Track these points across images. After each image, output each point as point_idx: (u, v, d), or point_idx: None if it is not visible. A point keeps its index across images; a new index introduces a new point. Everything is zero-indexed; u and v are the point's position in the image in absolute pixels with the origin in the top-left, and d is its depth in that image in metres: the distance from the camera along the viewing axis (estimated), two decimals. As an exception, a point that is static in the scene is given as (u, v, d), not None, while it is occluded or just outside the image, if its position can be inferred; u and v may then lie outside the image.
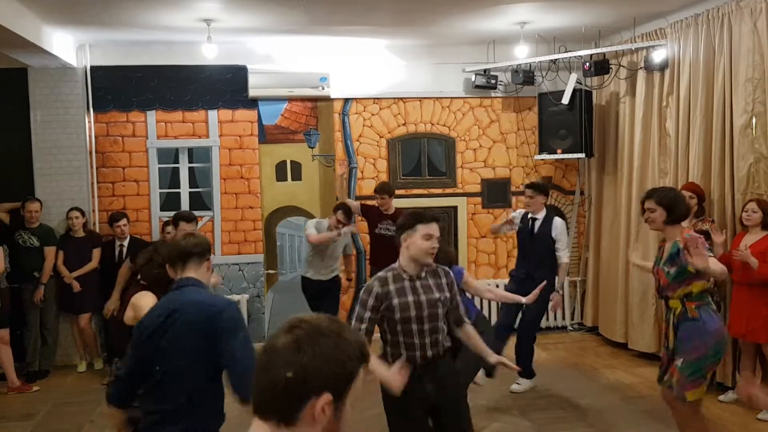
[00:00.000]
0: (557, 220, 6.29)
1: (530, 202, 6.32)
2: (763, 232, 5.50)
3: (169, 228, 6.96)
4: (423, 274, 3.68)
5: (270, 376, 1.48)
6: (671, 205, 4.34)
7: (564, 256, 6.22)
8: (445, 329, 3.77)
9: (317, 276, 6.94)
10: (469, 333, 3.90)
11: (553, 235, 6.20)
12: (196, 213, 7.81)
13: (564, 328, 8.57)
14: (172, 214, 7.18)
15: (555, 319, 8.48)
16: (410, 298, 3.60)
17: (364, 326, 3.55)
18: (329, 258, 6.96)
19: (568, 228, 6.94)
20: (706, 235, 5.79)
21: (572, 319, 8.65)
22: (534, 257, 6.22)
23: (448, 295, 3.73)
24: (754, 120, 5.80)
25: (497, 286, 7.81)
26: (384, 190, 7.06)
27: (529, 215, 6.34)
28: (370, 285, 3.65)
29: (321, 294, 6.92)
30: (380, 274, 3.69)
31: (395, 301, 3.58)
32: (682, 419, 4.42)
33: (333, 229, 6.81)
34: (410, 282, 3.64)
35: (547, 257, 6.19)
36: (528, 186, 6.49)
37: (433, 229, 3.59)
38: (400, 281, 3.64)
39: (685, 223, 5.61)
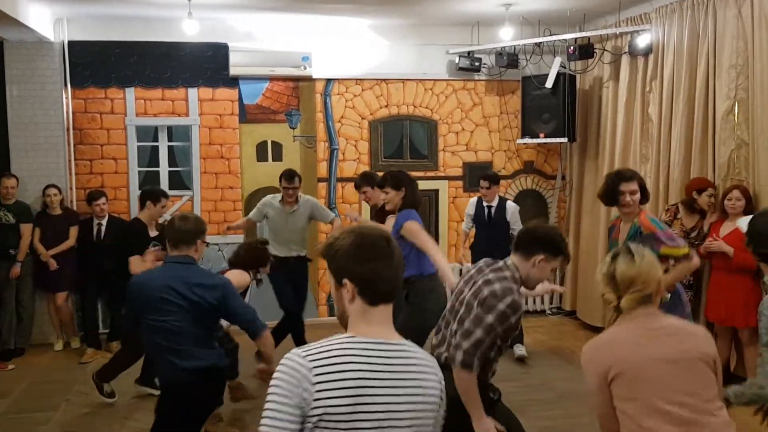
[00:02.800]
0: (510, 204, 6.92)
1: (486, 193, 6.83)
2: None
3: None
4: None
5: (397, 269, 1.96)
6: (644, 187, 4.63)
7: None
8: None
9: (275, 251, 6.11)
10: None
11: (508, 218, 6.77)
12: (176, 192, 7.76)
13: (543, 312, 8.59)
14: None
15: (534, 302, 8.51)
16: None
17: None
18: (289, 232, 6.56)
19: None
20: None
21: (551, 303, 8.68)
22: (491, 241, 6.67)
23: None
24: (736, 106, 5.82)
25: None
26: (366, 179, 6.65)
27: (484, 203, 6.91)
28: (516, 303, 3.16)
29: (286, 272, 6.39)
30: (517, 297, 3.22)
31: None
32: None
33: (287, 201, 6.49)
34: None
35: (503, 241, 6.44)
36: (483, 177, 6.92)
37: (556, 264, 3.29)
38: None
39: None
